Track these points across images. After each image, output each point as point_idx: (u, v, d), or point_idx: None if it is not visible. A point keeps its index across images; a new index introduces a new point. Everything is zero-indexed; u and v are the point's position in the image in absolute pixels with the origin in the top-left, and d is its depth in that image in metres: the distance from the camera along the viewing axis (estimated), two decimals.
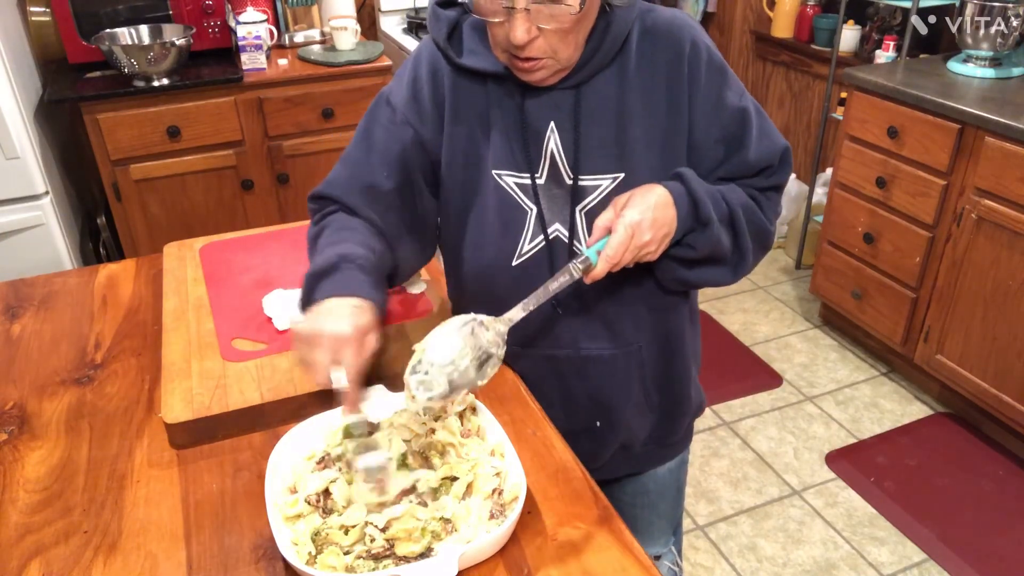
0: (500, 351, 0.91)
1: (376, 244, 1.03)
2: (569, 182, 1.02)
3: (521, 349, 1.11)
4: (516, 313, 0.93)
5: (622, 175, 1.01)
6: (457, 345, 0.88)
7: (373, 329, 0.92)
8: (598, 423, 1.15)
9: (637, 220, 0.92)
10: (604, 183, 1.01)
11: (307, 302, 0.96)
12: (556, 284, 0.93)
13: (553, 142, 1.01)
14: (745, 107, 1.02)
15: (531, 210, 1.03)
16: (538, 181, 1.02)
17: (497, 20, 0.92)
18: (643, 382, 1.13)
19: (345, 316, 0.89)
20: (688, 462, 1.35)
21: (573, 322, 1.07)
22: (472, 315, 0.91)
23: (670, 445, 1.26)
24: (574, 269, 0.92)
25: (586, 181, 1.01)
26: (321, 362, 0.87)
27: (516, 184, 1.03)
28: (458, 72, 1.03)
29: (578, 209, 1.02)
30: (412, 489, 0.89)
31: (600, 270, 0.93)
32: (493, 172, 1.03)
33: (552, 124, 1.00)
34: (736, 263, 1.05)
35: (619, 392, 1.13)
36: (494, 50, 0.98)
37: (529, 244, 1.04)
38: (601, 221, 0.94)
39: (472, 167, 1.05)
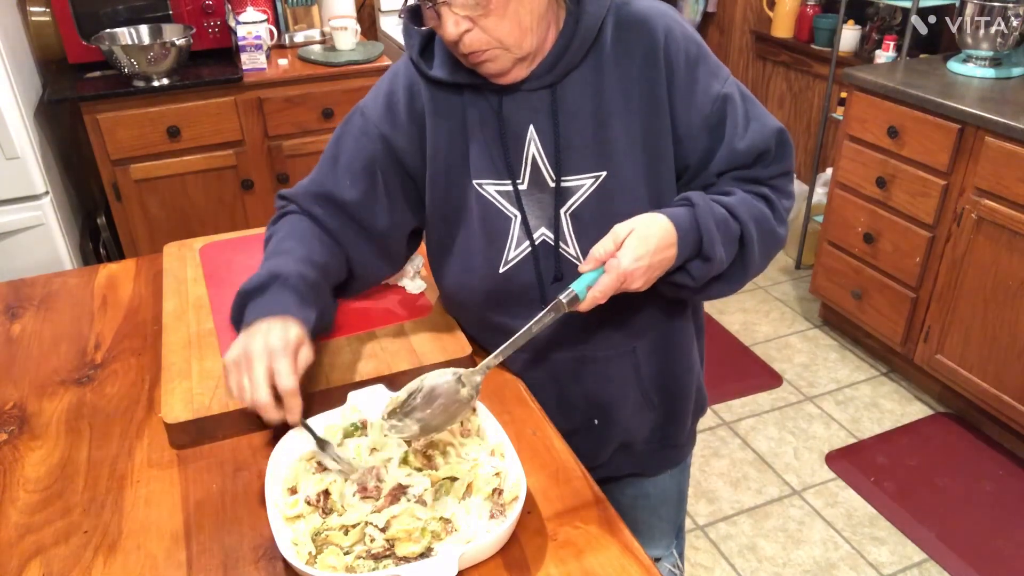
0: (473, 395, 0.91)
1: (320, 255, 1.05)
2: (552, 185, 1.01)
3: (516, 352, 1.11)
4: (493, 360, 0.92)
5: (604, 173, 0.99)
6: (433, 396, 0.90)
7: (304, 343, 0.95)
8: (596, 421, 1.15)
9: (631, 269, 0.89)
10: (587, 182, 1.00)
11: (238, 321, 0.99)
12: (539, 325, 0.90)
13: (534, 146, 1.00)
14: (727, 93, 0.99)
15: (515, 217, 1.02)
16: (520, 187, 1.02)
17: (434, 24, 0.92)
18: (640, 382, 1.13)
19: (273, 331, 0.92)
20: (690, 465, 1.34)
21: (567, 324, 1.06)
22: (452, 370, 0.91)
23: (674, 447, 1.25)
24: (559, 307, 0.90)
25: (569, 182, 1.00)
26: (257, 378, 0.89)
27: (498, 192, 1.02)
28: (434, 85, 1.02)
29: (562, 211, 1.01)
30: (407, 487, 0.89)
31: (585, 307, 0.91)
32: (474, 183, 1.02)
33: (532, 127, 0.99)
34: (737, 277, 1.02)
35: (616, 393, 1.13)
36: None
37: (515, 251, 1.04)
38: (596, 252, 0.90)
39: (454, 179, 1.04)
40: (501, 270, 1.05)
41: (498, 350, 0.92)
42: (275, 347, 0.90)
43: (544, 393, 1.12)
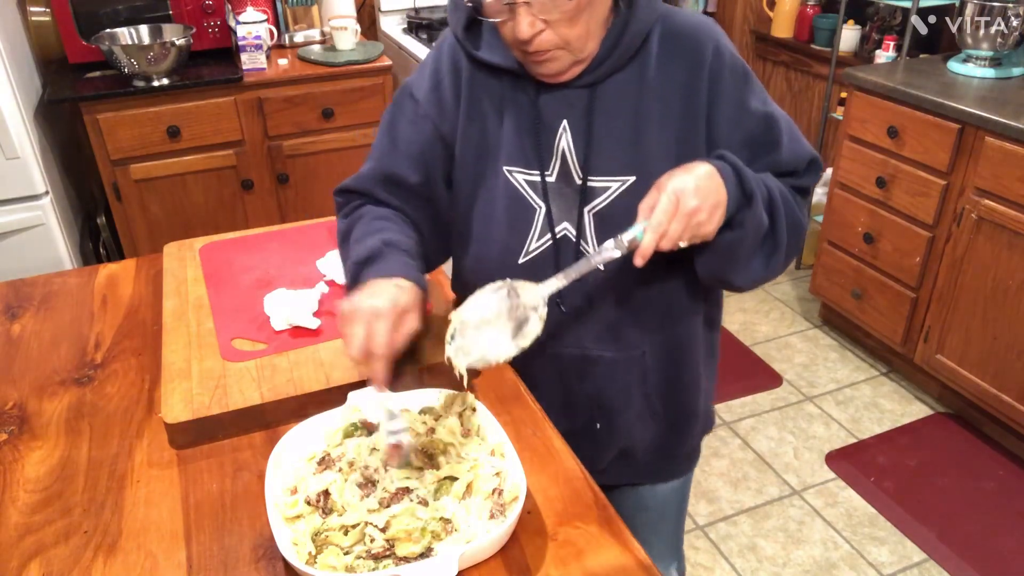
0: (541, 311, 0.89)
1: (410, 233, 1.06)
2: (579, 182, 1.01)
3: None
4: (556, 281, 0.91)
5: (633, 178, 0.99)
6: (492, 308, 0.88)
7: (413, 309, 0.93)
8: (598, 425, 1.15)
9: (681, 187, 0.87)
10: (614, 185, 1.00)
11: (352, 288, 0.97)
12: (600, 257, 0.90)
13: (565, 140, 1.00)
14: (770, 112, 1.01)
15: (540, 208, 1.02)
16: (548, 179, 1.02)
17: (502, 19, 0.91)
18: (646, 388, 1.12)
19: (384, 293, 0.91)
20: (691, 481, 1.33)
21: (578, 322, 1.07)
22: (508, 280, 0.90)
23: (674, 458, 1.24)
24: (618, 244, 0.89)
25: (596, 182, 1.00)
26: (355, 335, 0.88)
27: (526, 181, 1.02)
28: (475, 65, 1.02)
29: (586, 210, 1.01)
30: (410, 489, 0.89)
31: (648, 243, 0.87)
32: (504, 168, 1.02)
33: (565, 122, 0.99)
34: (770, 252, 1.00)
35: (620, 396, 1.12)
36: (510, 48, 0.97)
37: (536, 242, 1.04)
38: (644, 203, 0.90)
39: (483, 161, 1.04)
40: (520, 261, 1.05)
41: (559, 273, 0.91)
42: (380, 308, 0.89)
43: (549, 389, 1.12)
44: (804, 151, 1.04)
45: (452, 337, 0.88)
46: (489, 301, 0.89)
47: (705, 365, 1.17)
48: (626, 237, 0.89)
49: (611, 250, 0.90)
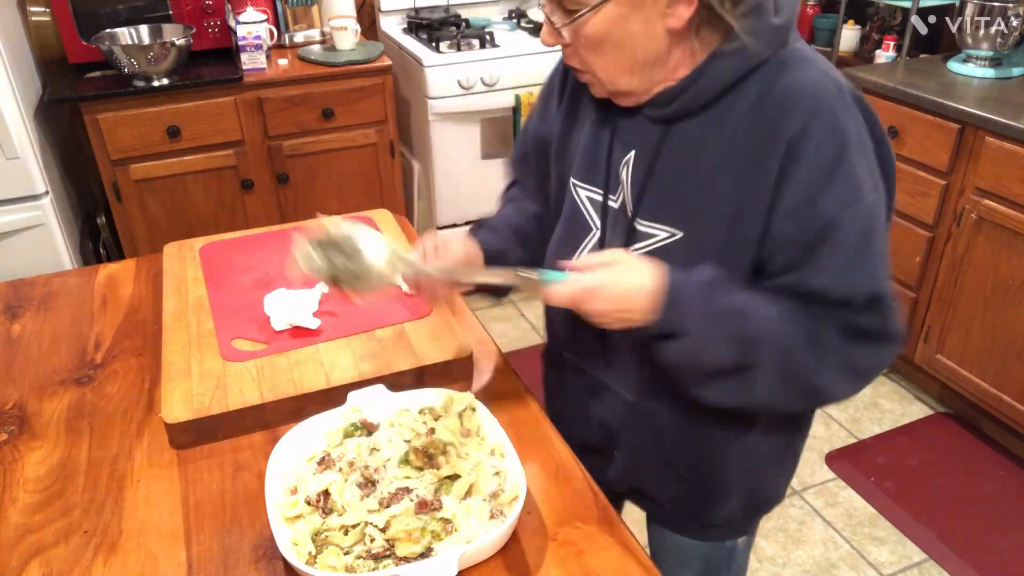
0: (392, 273, 0.94)
1: (516, 218, 1.10)
2: (628, 218, 0.94)
3: (558, 350, 1.08)
4: (437, 272, 0.95)
5: (680, 235, 0.89)
6: (350, 240, 0.94)
7: (467, 255, 1.00)
8: (616, 452, 1.06)
9: (599, 285, 0.84)
10: (660, 235, 0.90)
11: None
12: (499, 277, 0.93)
13: (626, 172, 0.93)
14: (837, 224, 0.83)
15: (595, 229, 0.97)
16: (611, 203, 0.95)
17: None
18: (660, 446, 1.01)
19: (455, 236, 1.01)
20: (735, 551, 1.14)
21: (604, 345, 1.01)
22: (392, 243, 0.96)
23: (702, 524, 1.10)
24: (519, 279, 0.90)
25: (643, 225, 0.92)
26: (423, 243, 0.98)
27: (588, 198, 0.98)
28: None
29: (631, 248, 0.93)
30: (410, 489, 0.89)
31: (545, 298, 0.88)
32: (572, 180, 1.00)
33: (632, 153, 0.92)
34: (740, 391, 0.87)
35: (632, 439, 1.03)
36: None
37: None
38: (583, 260, 0.87)
39: (561, 168, 1.02)
40: None
41: (460, 271, 0.97)
42: (445, 236, 0.99)
43: (574, 399, 1.08)
44: (861, 284, 0.84)
45: (311, 245, 0.93)
46: (349, 237, 0.94)
47: (752, 457, 1.02)
48: (535, 274, 0.89)
49: (517, 280, 0.91)
